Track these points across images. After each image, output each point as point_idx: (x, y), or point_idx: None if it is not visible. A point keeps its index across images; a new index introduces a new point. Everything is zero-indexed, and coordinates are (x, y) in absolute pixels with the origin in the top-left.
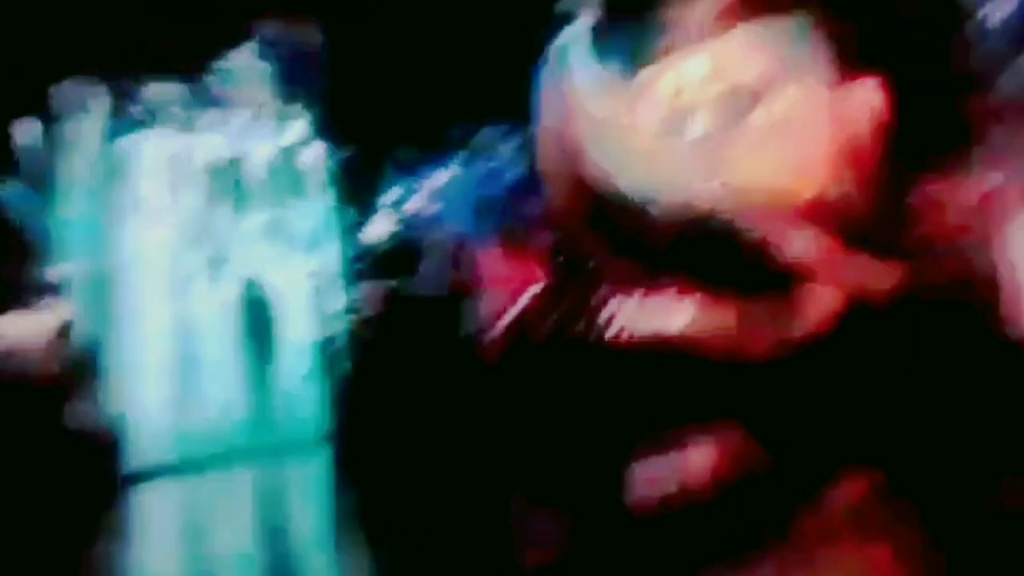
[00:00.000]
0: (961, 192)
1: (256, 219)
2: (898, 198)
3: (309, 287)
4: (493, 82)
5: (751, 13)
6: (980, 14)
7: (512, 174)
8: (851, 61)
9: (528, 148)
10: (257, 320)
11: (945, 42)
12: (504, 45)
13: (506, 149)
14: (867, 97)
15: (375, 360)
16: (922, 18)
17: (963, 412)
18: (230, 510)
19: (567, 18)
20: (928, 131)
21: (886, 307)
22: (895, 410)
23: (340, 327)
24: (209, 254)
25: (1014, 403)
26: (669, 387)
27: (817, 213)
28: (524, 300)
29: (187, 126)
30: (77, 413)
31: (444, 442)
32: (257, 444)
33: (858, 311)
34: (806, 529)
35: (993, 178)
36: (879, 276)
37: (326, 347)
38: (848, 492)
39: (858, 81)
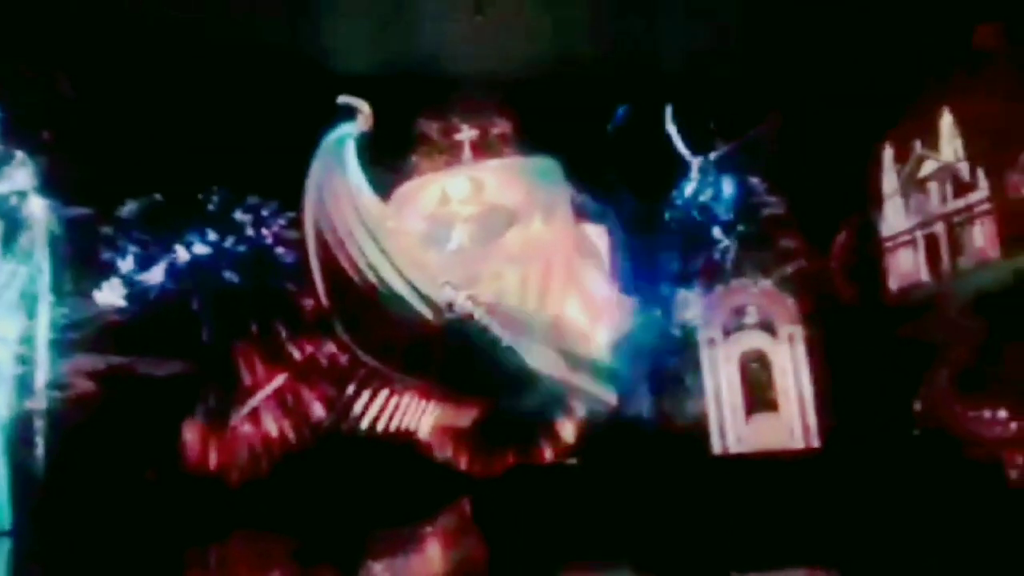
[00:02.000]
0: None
1: None
2: (622, 324)
3: (6, 354)
4: (257, 159)
5: (509, 147)
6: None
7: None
8: (586, 206)
9: (289, 234)
10: None
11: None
12: (277, 128)
13: (271, 227)
14: (596, 238)
15: (80, 446)
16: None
17: (680, 518)
18: None
19: (345, 112)
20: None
21: (605, 421)
22: (626, 511)
23: (43, 403)
24: None
25: (714, 512)
26: (408, 482)
27: (553, 330)
28: (264, 393)
29: None
30: None
31: (147, 539)
32: None
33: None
34: None
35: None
36: (599, 393)
37: (23, 424)
38: None
39: (588, 223)
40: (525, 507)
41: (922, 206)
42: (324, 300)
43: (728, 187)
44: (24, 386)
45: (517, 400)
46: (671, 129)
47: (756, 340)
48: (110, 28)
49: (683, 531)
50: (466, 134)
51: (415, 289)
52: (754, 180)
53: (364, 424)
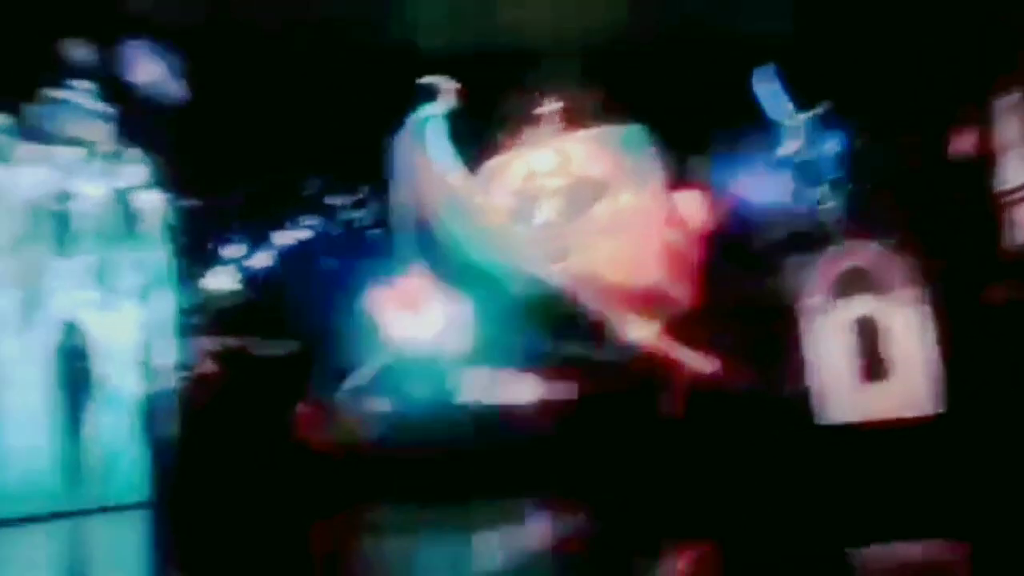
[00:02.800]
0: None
1: (81, 261)
2: (718, 296)
3: (137, 338)
4: (348, 145)
5: (595, 118)
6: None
7: (368, 238)
8: (677, 173)
9: (383, 217)
10: (75, 370)
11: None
12: (363, 112)
13: (361, 213)
14: (690, 206)
15: (206, 422)
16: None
17: (788, 490)
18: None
19: (427, 92)
20: (744, 239)
21: (709, 391)
22: (724, 486)
23: (169, 384)
24: (24, 295)
25: (824, 484)
26: (512, 457)
27: (648, 302)
28: (369, 370)
29: (5, 157)
30: None
31: (277, 511)
32: (68, 507)
33: (683, 393)
34: None
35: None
36: (698, 363)
37: (154, 404)
38: (681, 565)
39: (683, 191)
40: (626, 480)
41: None
42: (418, 278)
43: (833, 144)
44: (151, 369)
45: (614, 372)
46: (767, 87)
47: (867, 305)
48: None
49: (791, 505)
50: (550, 107)
51: (506, 264)
52: (863, 135)
53: (465, 398)
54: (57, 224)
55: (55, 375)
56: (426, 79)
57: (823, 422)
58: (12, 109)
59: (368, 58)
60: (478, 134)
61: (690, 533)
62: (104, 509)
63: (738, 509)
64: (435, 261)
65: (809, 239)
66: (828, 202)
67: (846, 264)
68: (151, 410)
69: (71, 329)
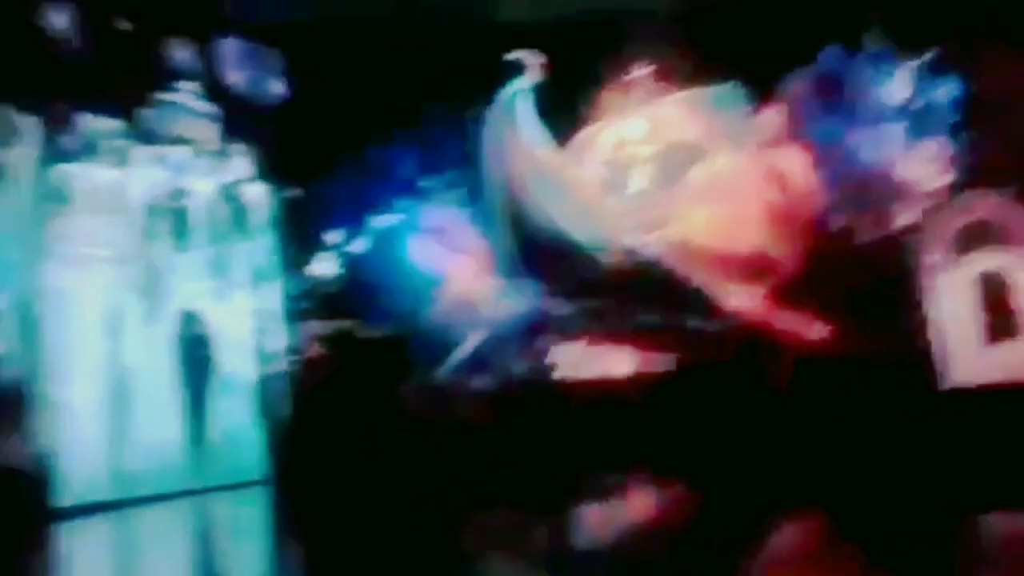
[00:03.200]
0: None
1: (196, 255)
2: (822, 259)
3: (250, 325)
4: (438, 129)
5: (687, 80)
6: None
7: (460, 218)
8: (776, 130)
9: (474, 194)
10: (195, 358)
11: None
12: (452, 93)
13: (453, 194)
14: (792, 164)
15: (318, 402)
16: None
17: (902, 457)
18: (163, 552)
19: (514, 68)
20: (852, 196)
21: (817, 358)
22: (838, 455)
23: (283, 367)
24: (146, 289)
25: (949, 450)
26: (612, 431)
27: (750, 268)
28: (471, 344)
29: (124, 159)
30: (5, 447)
31: (388, 487)
32: (192, 485)
33: (793, 361)
34: (750, 572)
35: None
36: (807, 329)
37: (268, 387)
38: (792, 535)
39: (785, 147)
40: (732, 454)
41: None
42: (511, 254)
43: (949, 90)
44: (264, 353)
45: (715, 342)
46: (872, 32)
47: (991, 259)
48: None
49: (912, 475)
50: (639, 72)
51: (601, 236)
52: (979, 79)
53: (562, 373)
54: (173, 221)
55: (178, 363)
56: (512, 54)
57: (946, 386)
58: (125, 113)
59: (455, 39)
60: (567, 106)
61: (804, 505)
62: (226, 487)
63: (855, 481)
64: (527, 237)
65: (925, 192)
66: (944, 152)
67: (967, 217)
68: (266, 392)
69: (190, 319)
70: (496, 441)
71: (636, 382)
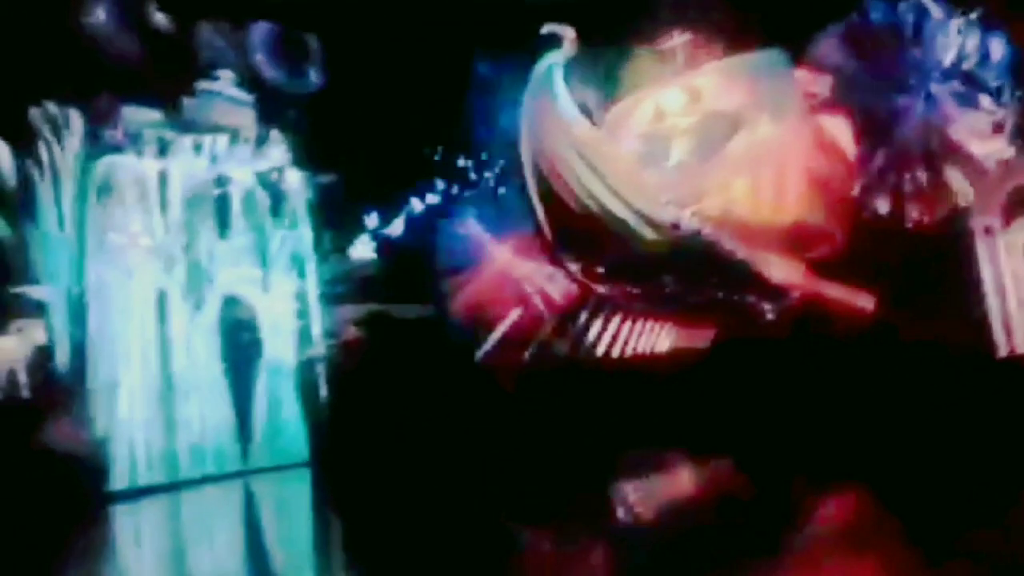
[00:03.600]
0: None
1: (236, 241)
2: (869, 227)
3: (290, 309)
4: (472, 111)
5: (727, 46)
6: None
7: (493, 201)
8: (822, 94)
9: (509, 174)
10: (239, 342)
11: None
12: (484, 77)
13: (488, 175)
14: (837, 130)
15: (357, 383)
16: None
17: (949, 430)
18: (212, 532)
19: (549, 42)
20: (899, 162)
21: (862, 330)
22: (880, 428)
23: (322, 350)
24: (190, 276)
25: (1001, 421)
26: (654, 408)
27: (794, 238)
28: (508, 323)
29: (166, 150)
30: (58, 433)
31: (427, 465)
32: (238, 466)
33: (837, 333)
34: (793, 546)
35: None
36: (854, 300)
37: (308, 370)
38: (835, 508)
39: (828, 115)
40: (779, 427)
41: None
42: (547, 232)
43: (998, 47)
44: (304, 337)
45: (760, 317)
46: None
47: None
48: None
49: (969, 443)
50: (677, 40)
51: (638, 212)
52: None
53: (600, 351)
54: (215, 208)
55: (221, 347)
56: (547, 28)
57: (1004, 354)
58: (167, 104)
59: (488, 16)
60: (603, 79)
61: (853, 480)
62: (270, 469)
63: (911, 453)
64: (564, 214)
65: (975, 155)
66: (994, 113)
67: (1017, 180)
68: (306, 375)
69: (233, 304)
70: (536, 419)
71: (678, 358)
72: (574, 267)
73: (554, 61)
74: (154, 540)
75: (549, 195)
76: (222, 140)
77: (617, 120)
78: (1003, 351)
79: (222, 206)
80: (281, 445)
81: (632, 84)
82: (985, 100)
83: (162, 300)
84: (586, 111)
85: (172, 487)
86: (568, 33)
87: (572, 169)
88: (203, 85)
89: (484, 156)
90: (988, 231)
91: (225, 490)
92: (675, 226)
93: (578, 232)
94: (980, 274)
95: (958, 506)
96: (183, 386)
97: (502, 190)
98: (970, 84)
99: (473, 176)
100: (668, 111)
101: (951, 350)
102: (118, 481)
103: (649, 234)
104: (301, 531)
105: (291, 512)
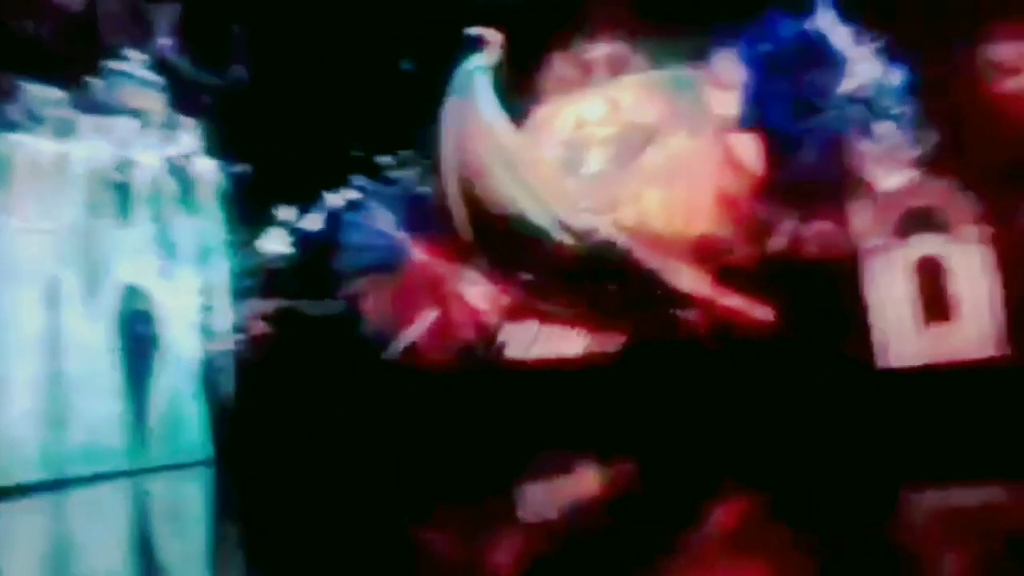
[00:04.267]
0: (831, 238)
1: (140, 230)
2: (770, 242)
3: (195, 303)
4: (394, 110)
5: (645, 61)
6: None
7: (412, 201)
8: (733, 114)
9: (429, 174)
10: (137, 335)
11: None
12: (407, 76)
13: (408, 174)
14: (745, 149)
15: (262, 380)
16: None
17: (838, 437)
18: (101, 532)
19: (474, 44)
20: (801, 182)
21: (758, 340)
22: (774, 435)
23: (228, 345)
24: (87, 263)
25: (883, 429)
26: (559, 410)
27: (701, 250)
28: (422, 323)
29: (68, 131)
30: None
31: (333, 465)
32: (132, 465)
33: (734, 343)
34: (686, 550)
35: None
36: (754, 311)
37: (212, 365)
38: (728, 514)
39: (737, 134)
40: (678, 433)
41: None
42: (465, 234)
43: (896, 76)
44: (209, 331)
45: (667, 325)
46: (824, 20)
47: (930, 244)
48: None
49: (851, 448)
50: (599, 51)
51: (555, 217)
52: (926, 67)
53: (513, 353)
54: (117, 194)
55: (119, 339)
56: (472, 30)
57: (884, 366)
58: (71, 83)
59: (413, 14)
60: (526, 85)
61: (747, 484)
62: (167, 467)
63: (797, 459)
64: (482, 217)
65: (870, 177)
66: (891, 139)
67: (908, 203)
68: (210, 370)
69: (133, 294)
70: (446, 420)
71: (586, 362)
72: (490, 269)
73: (479, 64)
74: (37, 542)
75: (469, 197)
76: (129, 123)
77: (539, 126)
78: (883, 364)
79: (125, 192)
80: (181, 443)
81: (553, 92)
82: (885, 126)
83: (57, 286)
84: (508, 116)
85: (59, 485)
86: (494, 37)
87: (493, 172)
88: (111, 64)
89: (404, 155)
90: (880, 250)
91: (117, 489)
92: (591, 234)
93: (496, 235)
94: (870, 290)
95: (841, 506)
96: (79, 379)
97: (421, 189)
98: (871, 109)
99: (392, 174)
100: (588, 120)
101: (836, 361)
102: (2, 478)
103: (566, 239)
104: (198, 533)
105: (188, 514)
